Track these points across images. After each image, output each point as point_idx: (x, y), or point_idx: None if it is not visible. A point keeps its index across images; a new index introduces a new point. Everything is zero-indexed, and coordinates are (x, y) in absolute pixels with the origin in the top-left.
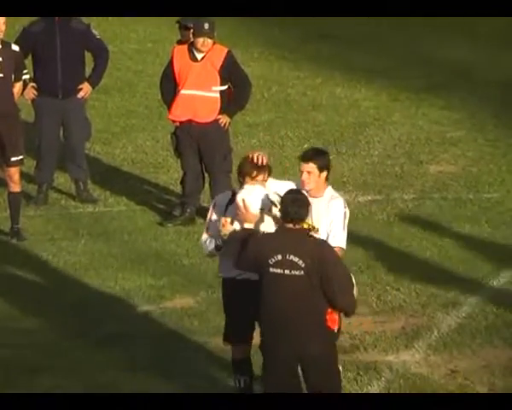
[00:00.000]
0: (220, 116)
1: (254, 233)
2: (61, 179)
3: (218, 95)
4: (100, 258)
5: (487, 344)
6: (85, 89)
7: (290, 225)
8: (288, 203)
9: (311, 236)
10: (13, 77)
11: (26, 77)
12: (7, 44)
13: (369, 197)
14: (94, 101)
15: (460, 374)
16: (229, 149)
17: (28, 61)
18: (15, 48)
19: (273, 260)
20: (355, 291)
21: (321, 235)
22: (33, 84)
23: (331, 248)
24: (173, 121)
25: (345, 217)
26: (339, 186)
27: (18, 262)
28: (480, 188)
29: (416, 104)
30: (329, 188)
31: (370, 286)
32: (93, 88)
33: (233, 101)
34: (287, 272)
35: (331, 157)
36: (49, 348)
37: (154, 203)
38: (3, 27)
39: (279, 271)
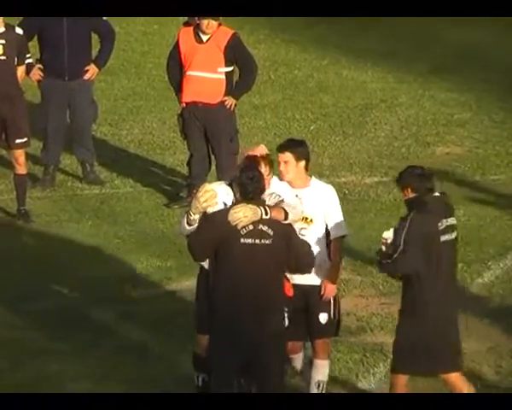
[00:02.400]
0: (226, 98)
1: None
2: (68, 161)
3: (223, 76)
4: (106, 239)
5: (494, 326)
6: (92, 70)
7: (255, 201)
8: (246, 182)
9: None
10: (16, 60)
11: (29, 61)
12: (10, 27)
13: (376, 179)
14: (100, 82)
15: (466, 356)
16: (235, 131)
17: (34, 43)
18: (19, 31)
19: (245, 231)
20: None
21: (316, 226)
22: (40, 66)
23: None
24: (180, 103)
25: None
26: (346, 168)
27: (24, 244)
28: (486, 170)
29: (423, 86)
30: (314, 178)
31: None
32: (99, 70)
33: (239, 82)
34: (257, 241)
35: (337, 138)
36: (55, 330)
37: (160, 185)
38: None
39: (250, 241)
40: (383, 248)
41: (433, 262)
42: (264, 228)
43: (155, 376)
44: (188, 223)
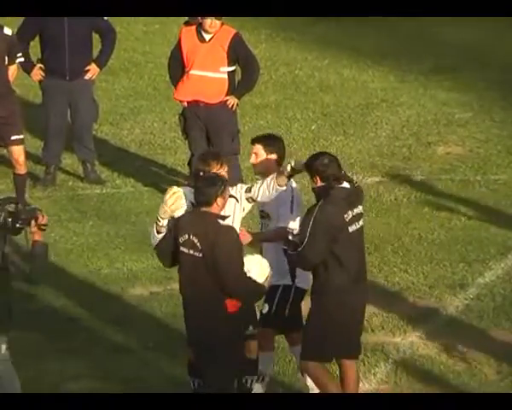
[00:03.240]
0: (228, 97)
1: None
2: (69, 161)
3: (225, 76)
4: (107, 239)
5: (495, 326)
6: (93, 70)
7: (203, 209)
8: (196, 191)
9: (218, 222)
10: (6, 59)
11: (20, 60)
12: None
13: (377, 179)
14: (101, 82)
15: (467, 356)
16: (236, 131)
17: (36, 43)
18: (7, 31)
19: (182, 239)
20: (264, 280)
21: (272, 222)
22: (41, 66)
23: (229, 236)
24: (181, 102)
25: (292, 201)
26: (346, 168)
27: (24, 244)
28: (487, 169)
29: (424, 86)
30: (292, 181)
31: (378, 268)
32: (100, 69)
33: (241, 82)
34: (190, 251)
35: (338, 138)
36: (55, 330)
37: (161, 185)
38: None
39: (185, 250)
40: (290, 238)
41: (340, 252)
42: (195, 240)
43: (155, 376)
44: (157, 231)
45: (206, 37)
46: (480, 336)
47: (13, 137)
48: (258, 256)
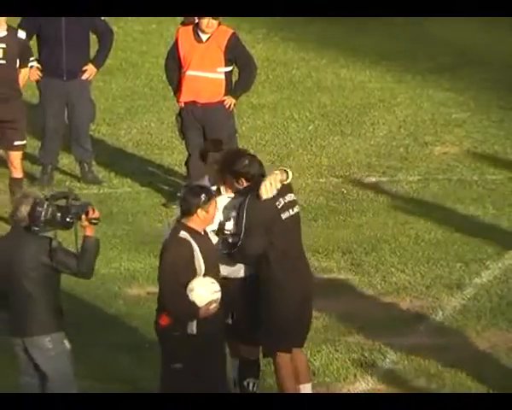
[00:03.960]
0: (225, 97)
1: None
2: (66, 161)
3: (222, 76)
4: (104, 239)
5: (492, 326)
6: (90, 70)
7: (182, 219)
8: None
9: (175, 234)
10: (18, 62)
11: (33, 64)
12: (12, 31)
13: (374, 179)
14: (98, 82)
15: (464, 355)
16: (233, 131)
17: (33, 43)
18: (21, 35)
19: None
20: (205, 305)
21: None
22: (38, 66)
23: (174, 250)
24: (178, 102)
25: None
26: (344, 168)
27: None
28: (484, 169)
29: (421, 86)
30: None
31: (375, 268)
32: (97, 69)
33: (238, 82)
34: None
35: (335, 138)
36: None
37: (158, 185)
38: None
39: None
40: (229, 240)
41: (278, 241)
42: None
43: (151, 376)
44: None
45: (203, 37)
46: (477, 337)
47: (16, 143)
48: (209, 280)
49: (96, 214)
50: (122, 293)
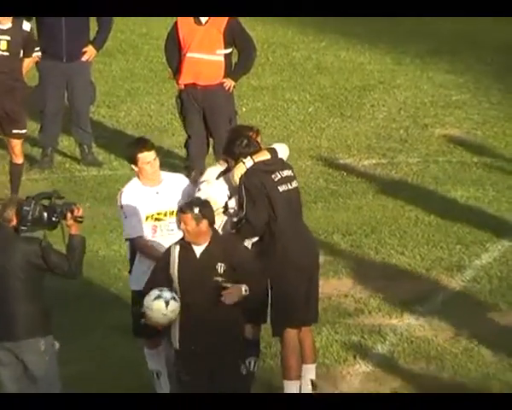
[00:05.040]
0: (225, 79)
1: None
2: (66, 143)
3: (222, 58)
4: (104, 221)
5: (492, 308)
6: (90, 52)
7: None
8: None
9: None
10: (22, 52)
11: (37, 54)
12: (18, 23)
13: (374, 161)
14: (98, 64)
15: (464, 337)
16: (233, 113)
17: (32, 24)
18: (26, 27)
19: None
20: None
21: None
22: (39, 54)
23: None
24: (177, 84)
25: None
26: (343, 150)
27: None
28: (484, 151)
29: (421, 68)
30: (163, 172)
31: (375, 250)
32: (97, 51)
33: (238, 64)
34: None
35: (335, 120)
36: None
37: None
38: None
39: None
40: (234, 219)
41: (279, 214)
42: None
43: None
44: None
45: (203, 19)
46: (476, 318)
47: (14, 131)
48: (162, 304)
49: (81, 213)
50: (122, 275)
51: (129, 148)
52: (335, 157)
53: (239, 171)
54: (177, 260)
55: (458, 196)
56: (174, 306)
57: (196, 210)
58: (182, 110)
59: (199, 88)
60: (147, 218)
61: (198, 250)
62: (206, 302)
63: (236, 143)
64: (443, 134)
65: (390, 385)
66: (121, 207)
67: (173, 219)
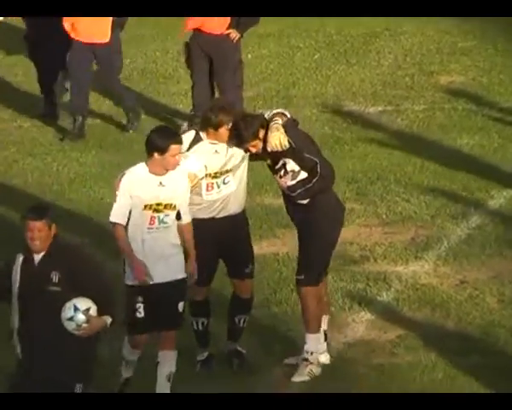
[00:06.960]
0: (231, 30)
1: None
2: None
3: None
4: (110, 168)
5: (497, 255)
6: None
7: None
8: None
9: None
10: None
11: None
12: None
13: (380, 108)
14: None
15: (469, 284)
16: (239, 63)
17: None
18: None
19: None
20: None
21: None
22: None
23: None
24: (184, 29)
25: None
26: (349, 97)
27: (28, 173)
28: (490, 98)
29: None
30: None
31: (380, 197)
32: None
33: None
34: None
35: (341, 67)
36: None
37: (163, 114)
38: None
39: None
40: (298, 178)
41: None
42: None
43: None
44: None
45: None
46: (482, 266)
47: None
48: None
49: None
50: None
51: (159, 137)
52: (341, 104)
53: (277, 134)
54: (19, 269)
55: (464, 144)
56: (86, 325)
57: (48, 215)
58: (189, 57)
59: (206, 36)
60: (145, 207)
61: (37, 258)
62: (43, 312)
63: (251, 124)
64: (449, 81)
65: (395, 333)
66: (118, 189)
67: (169, 212)
